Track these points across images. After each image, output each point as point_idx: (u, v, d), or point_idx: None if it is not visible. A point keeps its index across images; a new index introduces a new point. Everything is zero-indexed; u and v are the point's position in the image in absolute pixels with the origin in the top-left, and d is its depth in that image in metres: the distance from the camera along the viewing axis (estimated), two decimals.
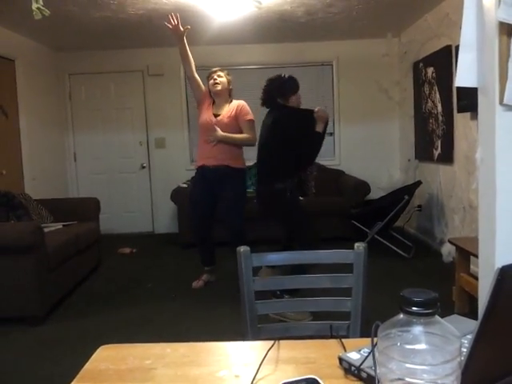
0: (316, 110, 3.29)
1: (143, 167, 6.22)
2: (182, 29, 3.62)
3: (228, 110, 3.78)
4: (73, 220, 4.35)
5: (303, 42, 5.88)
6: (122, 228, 6.16)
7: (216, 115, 3.78)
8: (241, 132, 3.78)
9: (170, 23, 3.57)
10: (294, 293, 2.96)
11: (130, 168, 6.22)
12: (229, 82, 3.84)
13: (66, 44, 5.59)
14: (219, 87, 3.77)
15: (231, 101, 3.86)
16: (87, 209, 4.60)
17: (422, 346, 0.62)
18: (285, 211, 3.39)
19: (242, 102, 3.85)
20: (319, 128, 3.27)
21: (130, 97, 6.13)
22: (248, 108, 3.82)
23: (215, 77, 3.78)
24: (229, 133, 3.71)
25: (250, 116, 3.78)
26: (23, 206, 4.09)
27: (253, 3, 3.94)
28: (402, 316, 0.65)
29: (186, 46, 3.74)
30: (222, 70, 3.85)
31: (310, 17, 4.76)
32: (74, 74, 6.09)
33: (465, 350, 0.68)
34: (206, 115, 3.79)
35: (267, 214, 3.54)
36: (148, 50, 5.94)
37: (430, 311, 0.62)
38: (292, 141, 3.24)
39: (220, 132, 3.67)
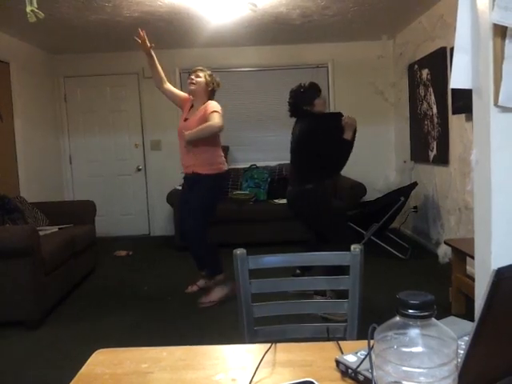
0: (344, 117, 3.31)
1: (139, 169, 6.20)
2: (148, 44, 3.63)
3: (198, 112, 3.59)
4: (69, 223, 4.34)
5: (298, 44, 5.89)
6: (118, 231, 6.14)
7: (185, 119, 3.67)
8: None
9: (139, 37, 3.58)
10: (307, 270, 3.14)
11: (126, 170, 6.21)
12: (207, 83, 3.63)
13: (61, 46, 5.58)
14: (193, 87, 3.61)
15: (207, 103, 3.60)
16: (83, 211, 4.58)
17: (418, 349, 0.62)
18: (313, 211, 3.38)
19: (212, 102, 3.60)
20: (347, 135, 3.27)
21: (125, 99, 6.12)
22: (215, 104, 3.57)
23: (192, 76, 3.64)
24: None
25: (214, 109, 3.50)
26: (18, 209, 4.07)
27: (248, 5, 3.94)
28: (398, 318, 0.65)
29: (154, 60, 3.75)
30: (202, 71, 3.68)
31: (305, 19, 4.77)
32: (69, 76, 6.08)
33: (461, 352, 0.68)
34: (180, 121, 3.71)
35: (295, 213, 3.53)
36: (143, 52, 5.91)
37: (426, 314, 0.62)
38: (318, 143, 3.27)
39: (186, 134, 3.44)
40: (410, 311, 0.62)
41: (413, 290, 0.66)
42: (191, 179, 3.66)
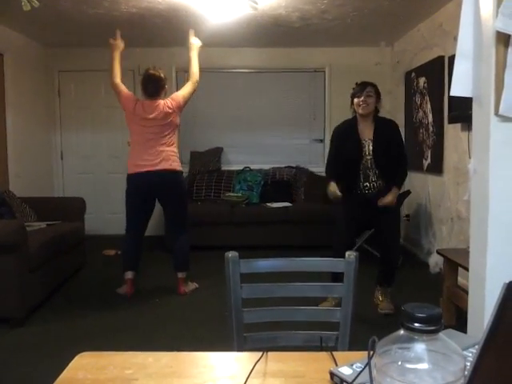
0: None
1: None
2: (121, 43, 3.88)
3: (157, 104, 3.68)
4: (57, 219, 4.27)
5: (296, 48, 5.87)
6: (108, 229, 6.05)
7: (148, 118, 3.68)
8: (175, 127, 3.80)
9: (115, 38, 3.83)
10: None
11: (118, 168, 6.13)
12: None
13: (57, 40, 5.51)
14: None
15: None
16: (72, 208, 4.52)
17: (423, 366, 0.58)
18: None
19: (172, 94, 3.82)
20: None
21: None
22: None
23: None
24: (165, 130, 3.68)
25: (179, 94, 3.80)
26: (6, 203, 3.99)
27: (248, 3, 3.90)
28: (402, 332, 0.61)
29: (121, 53, 3.98)
30: (159, 70, 3.80)
31: (304, 22, 4.75)
32: (63, 70, 6.00)
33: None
34: (137, 112, 3.72)
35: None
36: (140, 49, 5.87)
37: (433, 328, 0.58)
38: None
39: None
40: (416, 325, 0.58)
41: (419, 302, 0.62)
42: (162, 177, 3.64)
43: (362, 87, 3.29)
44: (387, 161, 3.25)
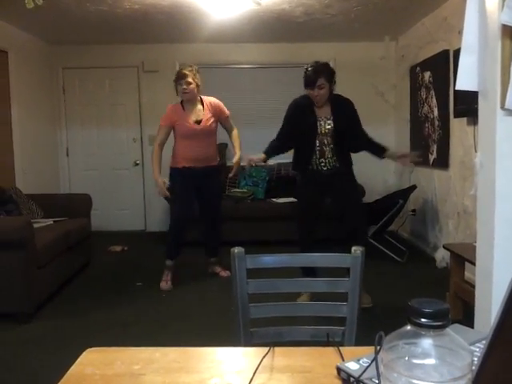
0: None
1: (136, 164, 6.15)
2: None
3: (204, 113, 3.82)
4: (64, 216, 4.28)
5: (300, 43, 5.85)
6: (114, 225, 6.08)
7: (197, 121, 3.77)
8: (217, 123, 3.92)
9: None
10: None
11: (123, 165, 6.15)
12: (198, 85, 3.78)
13: (61, 37, 5.52)
14: (189, 96, 3.76)
15: (201, 100, 3.86)
16: (79, 205, 4.53)
17: (430, 361, 0.58)
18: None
19: (214, 101, 3.91)
20: None
21: (124, 93, 6.06)
22: (220, 103, 3.95)
23: (184, 86, 3.71)
24: (212, 134, 3.89)
25: (227, 111, 3.98)
26: (13, 200, 4.02)
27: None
28: (409, 327, 0.61)
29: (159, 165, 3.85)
30: (190, 73, 3.73)
31: (307, 17, 4.73)
32: (68, 67, 6.01)
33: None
34: (186, 124, 3.76)
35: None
36: (143, 45, 5.88)
37: (440, 323, 0.58)
38: None
39: (239, 160, 3.92)
40: (423, 320, 0.58)
41: (426, 298, 0.62)
42: (202, 172, 3.84)
43: (312, 79, 3.20)
44: (346, 138, 3.30)
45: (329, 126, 3.28)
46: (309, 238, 3.41)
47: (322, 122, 3.29)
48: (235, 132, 4.05)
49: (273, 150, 3.41)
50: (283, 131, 3.45)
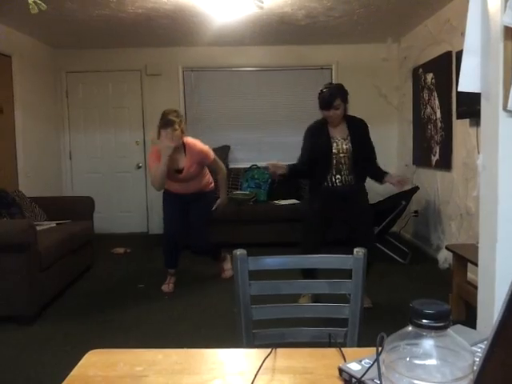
0: None
1: (139, 167, 6.16)
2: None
3: (187, 159, 3.68)
4: (67, 219, 4.30)
5: (303, 45, 5.86)
6: (117, 228, 6.10)
7: (178, 171, 3.69)
8: (202, 166, 3.82)
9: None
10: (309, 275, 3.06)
11: (126, 168, 6.17)
12: (182, 132, 3.61)
13: (64, 41, 5.54)
14: (175, 144, 3.56)
15: (184, 146, 3.69)
16: (81, 208, 4.54)
17: (431, 362, 0.58)
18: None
19: (197, 148, 3.71)
20: None
21: (127, 96, 6.08)
22: (202, 147, 3.75)
23: (169, 131, 3.52)
24: (197, 176, 3.79)
25: (211, 154, 3.78)
26: (16, 203, 4.03)
27: (254, 2, 3.90)
28: (411, 328, 0.61)
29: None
30: (177, 118, 3.56)
31: (310, 20, 4.74)
32: (71, 71, 6.04)
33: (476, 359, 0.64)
34: (169, 172, 3.63)
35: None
36: (146, 49, 5.90)
37: (441, 324, 0.58)
38: None
39: (222, 203, 4.01)
40: (425, 321, 0.58)
41: (427, 299, 0.62)
42: (193, 196, 3.84)
43: (328, 102, 3.23)
44: (362, 157, 3.35)
45: (346, 146, 3.33)
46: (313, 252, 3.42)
47: (338, 142, 3.33)
48: (222, 175, 3.96)
49: (297, 171, 3.44)
50: (303, 159, 3.47)
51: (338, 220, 3.55)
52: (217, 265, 4.26)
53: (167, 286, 3.94)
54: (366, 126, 3.46)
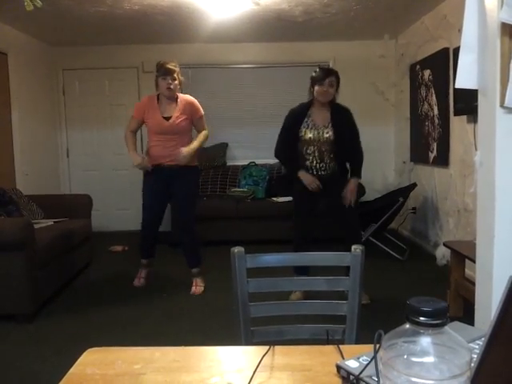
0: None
1: None
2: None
3: (177, 109, 3.64)
4: (64, 217, 4.29)
5: (300, 42, 5.85)
6: (115, 225, 6.09)
7: (167, 118, 3.62)
8: (190, 123, 3.72)
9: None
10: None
11: (123, 165, 6.14)
12: (180, 83, 3.66)
13: (61, 39, 5.52)
14: (171, 93, 3.61)
15: (176, 98, 3.69)
16: (79, 205, 4.54)
17: (429, 359, 0.58)
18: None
19: (190, 99, 3.72)
20: None
21: (124, 93, 6.06)
22: (198, 103, 3.75)
23: (169, 81, 3.56)
24: (183, 132, 3.65)
25: (201, 111, 3.75)
26: (14, 201, 4.02)
27: None
28: (408, 326, 0.61)
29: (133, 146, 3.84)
30: (175, 68, 3.61)
31: (307, 16, 4.73)
32: (67, 69, 6.02)
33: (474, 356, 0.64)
34: (156, 118, 3.63)
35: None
36: (143, 46, 5.88)
37: (439, 322, 0.58)
38: None
39: (183, 152, 3.57)
40: (422, 319, 0.58)
41: (424, 296, 0.62)
42: (175, 171, 3.63)
43: (324, 75, 3.30)
44: (344, 146, 3.36)
45: (327, 135, 3.34)
46: (304, 239, 3.46)
47: (320, 130, 3.35)
48: (203, 133, 3.78)
49: (293, 160, 3.47)
50: (281, 137, 3.53)
51: (322, 207, 3.52)
52: (192, 273, 3.89)
53: (138, 280, 3.91)
54: (351, 115, 3.46)
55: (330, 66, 6.02)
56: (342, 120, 3.39)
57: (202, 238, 5.10)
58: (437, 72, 4.56)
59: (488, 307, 1.78)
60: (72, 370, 0.98)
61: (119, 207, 6.20)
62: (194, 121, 3.72)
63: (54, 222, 4.16)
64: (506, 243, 1.76)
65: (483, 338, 0.65)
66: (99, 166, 6.15)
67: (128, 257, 4.97)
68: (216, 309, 3.40)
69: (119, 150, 6.12)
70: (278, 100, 6.08)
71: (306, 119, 3.38)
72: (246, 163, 5.91)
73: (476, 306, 1.91)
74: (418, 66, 5.07)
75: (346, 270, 1.47)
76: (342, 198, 3.37)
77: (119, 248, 5.20)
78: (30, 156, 5.27)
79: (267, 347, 1.04)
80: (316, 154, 3.37)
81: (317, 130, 3.34)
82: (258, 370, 0.95)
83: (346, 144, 3.37)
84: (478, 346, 0.90)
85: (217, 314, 3.31)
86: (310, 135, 3.35)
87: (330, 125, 3.35)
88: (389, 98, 6.04)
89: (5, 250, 3.15)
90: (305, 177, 3.36)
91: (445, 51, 4.29)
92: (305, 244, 3.40)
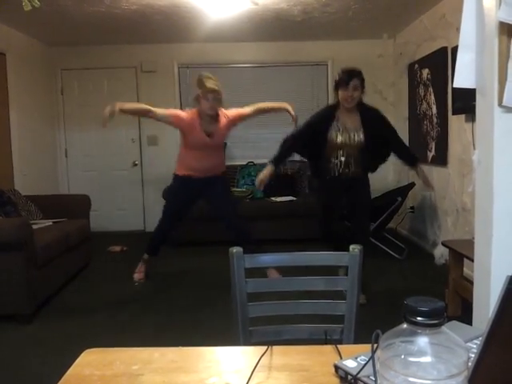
0: None
1: (135, 164, 6.15)
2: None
3: (220, 127, 3.69)
4: (63, 217, 4.28)
5: (299, 41, 5.85)
6: (113, 226, 6.09)
7: (208, 134, 3.64)
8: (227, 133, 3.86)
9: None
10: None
11: (122, 165, 6.15)
12: (220, 101, 3.64)
13: (59, 39, 5.51)
14: (214, 113, 3.62)
15: (218, 113, 3.70)
16: (78, 206, 4.53)
17: (426, 359, 0.58)
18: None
19: (230, 114, 3.77)
20: None
21: (122, 93, 6.05)
22: (234, 112, 3.82)
23: (212, 102, 3.53)
24: (221, 145, 3.88)
25: (235, 112, 3.82)
26: (12, 202, 4.02)
27: None
28: (405, 326, 0.61)
29: (128, 111, 3.88)
30: (217, 86, 3.54)
31: (306, 16, 4.73)
32: (66, 69, 6.01)
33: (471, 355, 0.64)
34: (199, 136, 3.63)
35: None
36: (141, 46, 5.88)
37: (436, 322, 0.58)
38: None
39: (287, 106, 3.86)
40: (419, 318, 0.58)
41: (422, 296, 0.62)
42: (203, 181, 3.73)
43: (347, 78, 3.22)
44: (372, 149, 3.32)
45: (358, 138, 3.28)
46: (331, 233, 3.56)
47: (349, 132, 3.29)
48: (256, 105, 3.93)
49: (282, 154, 3.43)
50: (301, 135, 3.43)
51: (344, 203, 3.57)
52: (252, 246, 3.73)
53: (139, 275, 4.01)
54: (381, 114, 3.42)
55: (329, 65, 6.04)
56: (375, 123, 3.32)
57: (200, 238, 5.12)
58: (435, 71, 4.56)
59: (486, 306, 1.78)
60: (70, 370, 0.98)
61: (118, 207, 6.20)
62: (237, 121, 3.86)
63: (53, 222, 4.16)
64: (504, 242, 1.76)
65: (481, 338, 0.65)
66: (98, 167, 6.14)
67: (127, 257, 4.96)
68: (214, 309, 3.40)
69: (118, 150, 6.13)
70: (276, 99, 6.06)
71: (334, 122, 3.29)
72: (245, 163, 5.91)
73: (474, 305, 1.91)
74: (416, 65, 5.07)
75: (345, 270, 1.47)
76: (424, 184, 3.46)
77: (118, 248, 5.20)
78: (29, 156, 5.26)
79: (265, 347, 1.04)
80: (343, 159, 3.32)
81: (348, 134, 3.27)
82: (256, 370, 0.94)
83: (376, 144, 3.30)
84: (475, 346, 0.90)
85: (215, 314, 3.31)
86: (341, 138, 3.27)
87: (362, 128, 3.27)
88: (387, 97, 6.04)
89: (3, 251, 3.15)
90: (263, 172, 3.35)
91: (443, 50, 4.29)
92: (332, 234, 3.52)
